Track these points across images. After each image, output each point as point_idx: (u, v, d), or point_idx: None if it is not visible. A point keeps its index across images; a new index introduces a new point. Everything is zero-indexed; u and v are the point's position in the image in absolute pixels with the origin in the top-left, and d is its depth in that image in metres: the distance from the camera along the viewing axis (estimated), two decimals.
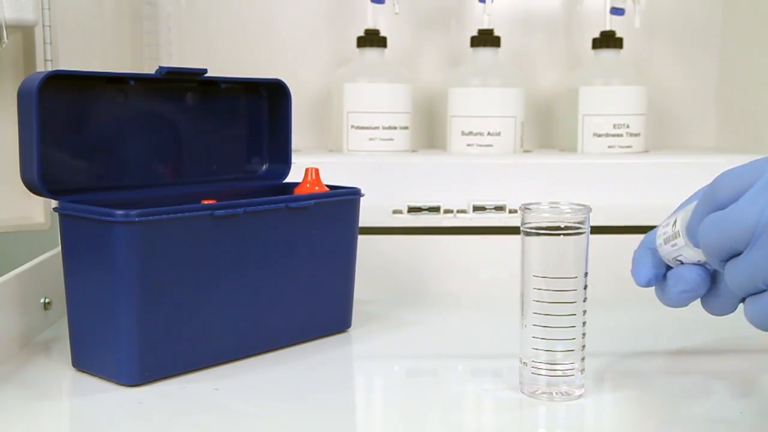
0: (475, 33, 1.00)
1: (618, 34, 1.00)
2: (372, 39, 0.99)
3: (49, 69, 0.72)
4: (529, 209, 0.56)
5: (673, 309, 0.59)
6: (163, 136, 0.72)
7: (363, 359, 0.70)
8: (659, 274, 0.59)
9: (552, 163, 0.93)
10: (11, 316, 0.67)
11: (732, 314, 0.58)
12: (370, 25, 0.99)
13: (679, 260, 0.57)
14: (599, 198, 0.86)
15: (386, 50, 1.00)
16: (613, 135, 0.98)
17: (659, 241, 0.59)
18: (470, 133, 0.97)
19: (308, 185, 0.75)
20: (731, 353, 0.69)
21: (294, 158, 0.78)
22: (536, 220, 0.56)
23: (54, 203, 0.62)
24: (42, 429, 0.55)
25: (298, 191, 0.75)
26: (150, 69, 0.78)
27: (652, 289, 0.60)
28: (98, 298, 0.60)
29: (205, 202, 0.67)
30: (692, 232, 0.54)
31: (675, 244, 0.57)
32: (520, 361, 0.58)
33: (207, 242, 0.62)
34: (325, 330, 0.72)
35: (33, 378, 0.62)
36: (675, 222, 0.57)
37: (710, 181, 0.52)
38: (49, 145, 0.63)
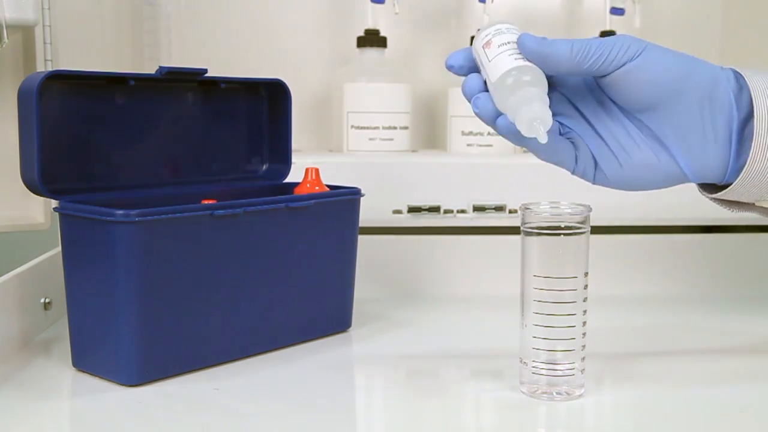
0: (474, 33, 1.00)
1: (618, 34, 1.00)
2: (372, 39, 0.99)
3: (49, 69, 0.72)
4: (529, 209, 0.56)
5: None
6: (163, 136, 0.72)
7: (363, 359, 0.70)
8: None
9: None
10: (11, 316, 0.66)
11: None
12: (370, 25, 0.99)
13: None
14: (599, 198, 0.86)
15: (386, 50, 1.00)
16: None
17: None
18: (470, 133, 0.97)
19: (308, 185, 0.74)
20: (731, 353, 0.69)
21: (294, 158, 0.78)
22: (536, 220, 0.56)
23: (54, 203, 0.62)
24: (42, 429, 0.55)
25: (298, 191, 0.74)
26: (150, 69, 0.78)
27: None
28: (98, 297, 0.60)
29: (205, 202, 0.67)
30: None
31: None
32: (520, 361, 0.58)
33: (207, 242, 0.62)
34: (325, 330, 0.72)
35: (33, 378, 0.62)
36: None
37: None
38: (49, 145, 0.63)
